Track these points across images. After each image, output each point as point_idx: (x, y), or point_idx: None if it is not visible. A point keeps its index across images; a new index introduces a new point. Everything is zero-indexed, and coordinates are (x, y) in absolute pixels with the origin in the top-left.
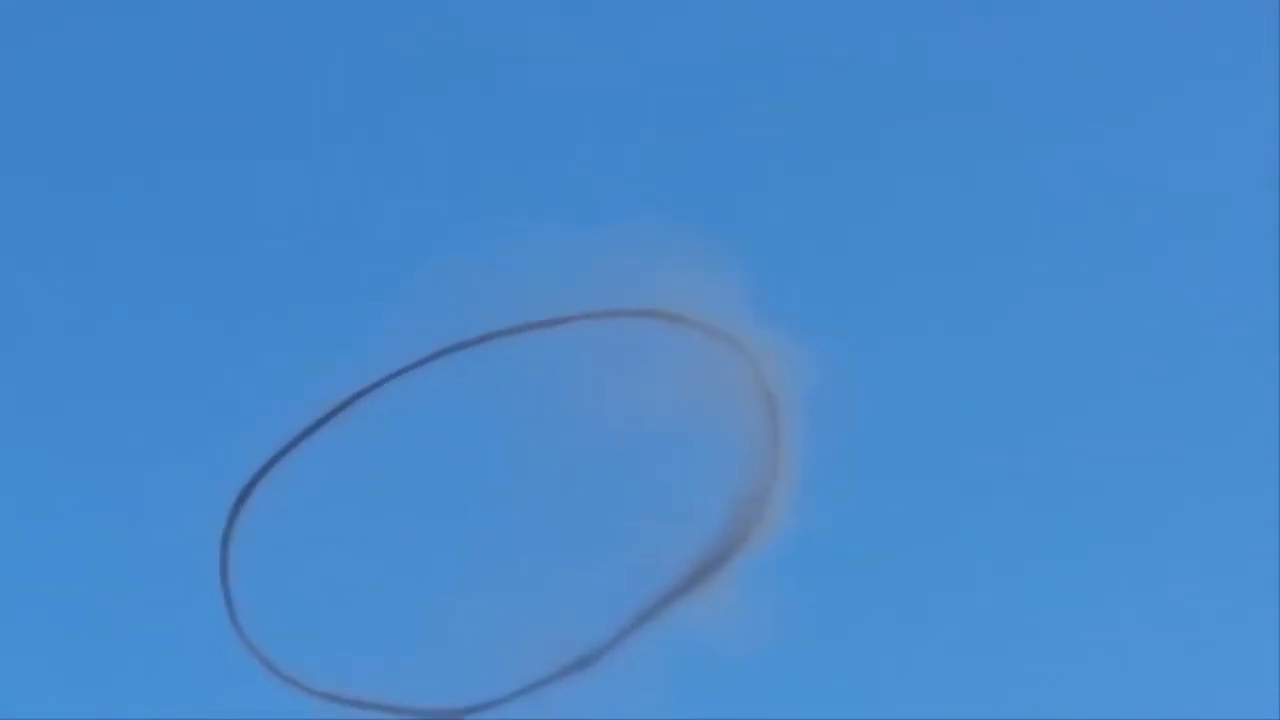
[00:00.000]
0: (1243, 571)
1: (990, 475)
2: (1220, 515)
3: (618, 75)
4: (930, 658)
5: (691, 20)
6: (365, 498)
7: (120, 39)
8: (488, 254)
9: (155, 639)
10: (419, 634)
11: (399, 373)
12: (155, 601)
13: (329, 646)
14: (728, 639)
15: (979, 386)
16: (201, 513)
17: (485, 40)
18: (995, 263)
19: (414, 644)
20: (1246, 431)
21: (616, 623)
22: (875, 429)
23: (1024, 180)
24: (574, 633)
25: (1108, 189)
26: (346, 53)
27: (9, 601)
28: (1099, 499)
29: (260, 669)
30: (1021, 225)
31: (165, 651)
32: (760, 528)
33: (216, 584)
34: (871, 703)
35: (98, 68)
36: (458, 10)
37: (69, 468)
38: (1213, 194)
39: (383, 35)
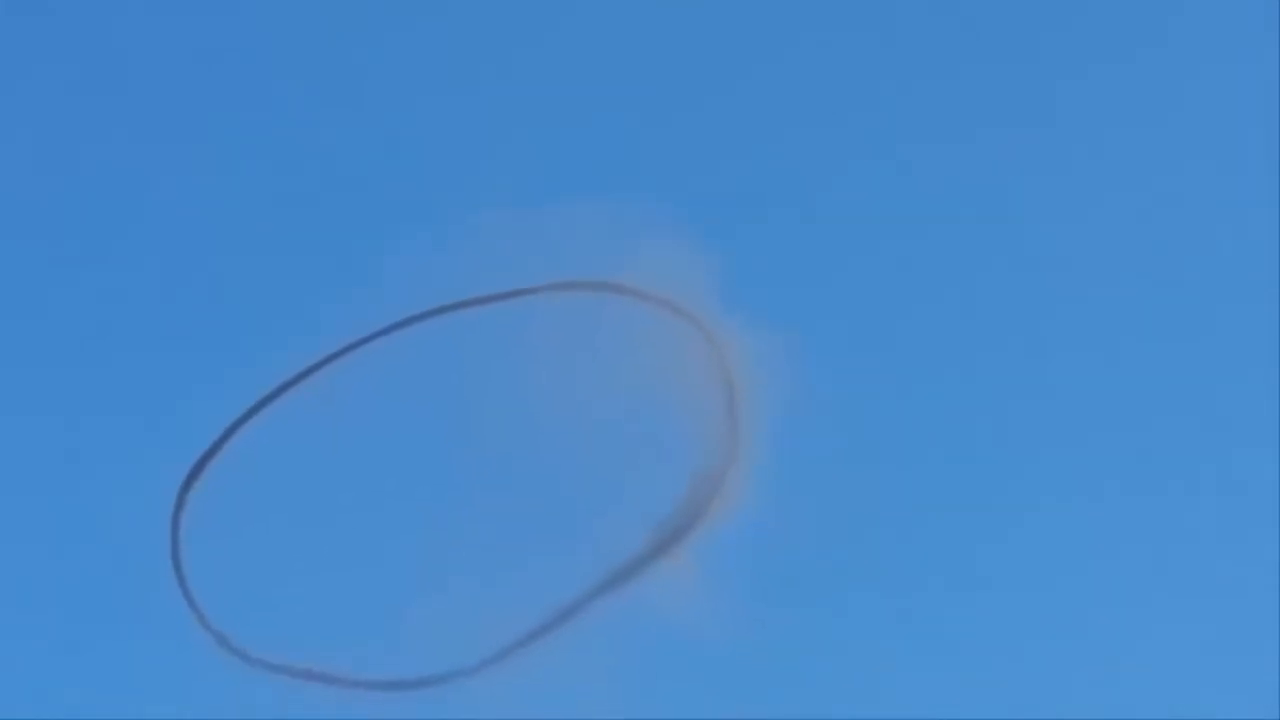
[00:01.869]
0: (1243, 571)
1: (958, 458)
2: (1220, 514)
3: (594, 49)
4: (895, 639)
5: None
6: (322, 470)
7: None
8: (451, 227)
9: (109, 617)
10: (378, 606)
11: (358, 343)
12: (108, 579)
13: (286, 621)
14: (687, 616)
15: (949, 370)
16: (154, 486)
17: (458, 14)
18: (969, 251)
19: (373, 617)
20: (1247, 430)
21: (574, 595)
22: (839, 413)
23: (1003, 169)
24: (532, 605)
25: (1090, 176)
26: (312, 32)
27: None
28: (1073, 482)
29: (216, 646)
30: (998, 212)
31: (119, 629)
32: (717, 505)
33: (168, 559)
34: (834, 682)
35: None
36: None
37: (19, 437)
38: (1213, 193)
39: (352, 13)
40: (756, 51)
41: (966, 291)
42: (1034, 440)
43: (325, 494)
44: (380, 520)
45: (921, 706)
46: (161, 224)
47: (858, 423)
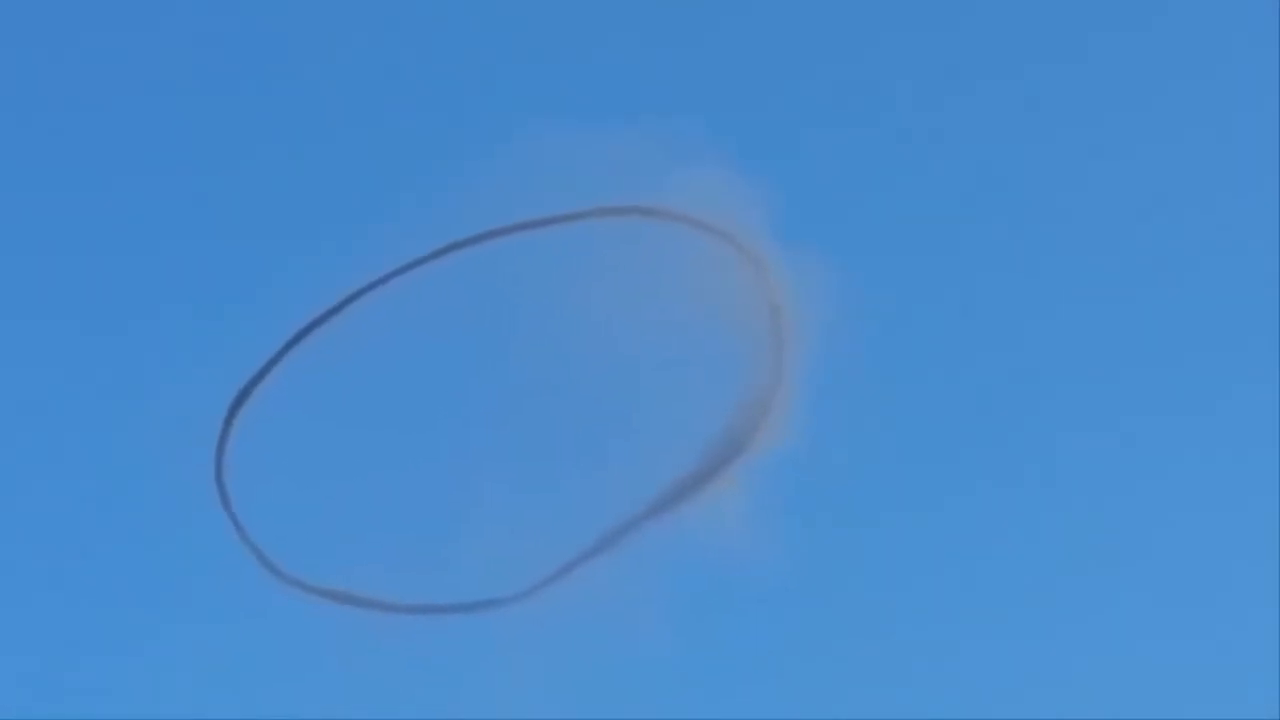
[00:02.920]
0: (1243, 571)
1: (1007, 381)
2: (1221, 514)
3: None
4: (927, 574)
5: None
6: (368, 394)
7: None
8: (494, 150)
9: (155, 546)
10: (423, 531)
11: (402, 269)
12: (153, 507)
13: (331, 545)
14: (733, 542)
15: (989, 309)
16: (200, 412)
17: None
18: (1016, 174)
19: (420, 541)
20: (1247, 430)
21: (620, 520)
22: (883, 344)
23: (1052, 96)
24: (579, 531)
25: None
26: None
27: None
28: (1104, 426)
29: (262, 570)
30: (1045, 134)
31: (165, 555)
32: (765, 428)
33: (213, 478)
34: (873, 615)
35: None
36: None
37: (64, 357)
38: (1213, 191)
39: None
40: None
41: (1015, 211)
42: (1081, 360)
43: (371, 418)
44: (424, 445)
45: (965, 635)
46: (207, 147)
47: (903, 345)
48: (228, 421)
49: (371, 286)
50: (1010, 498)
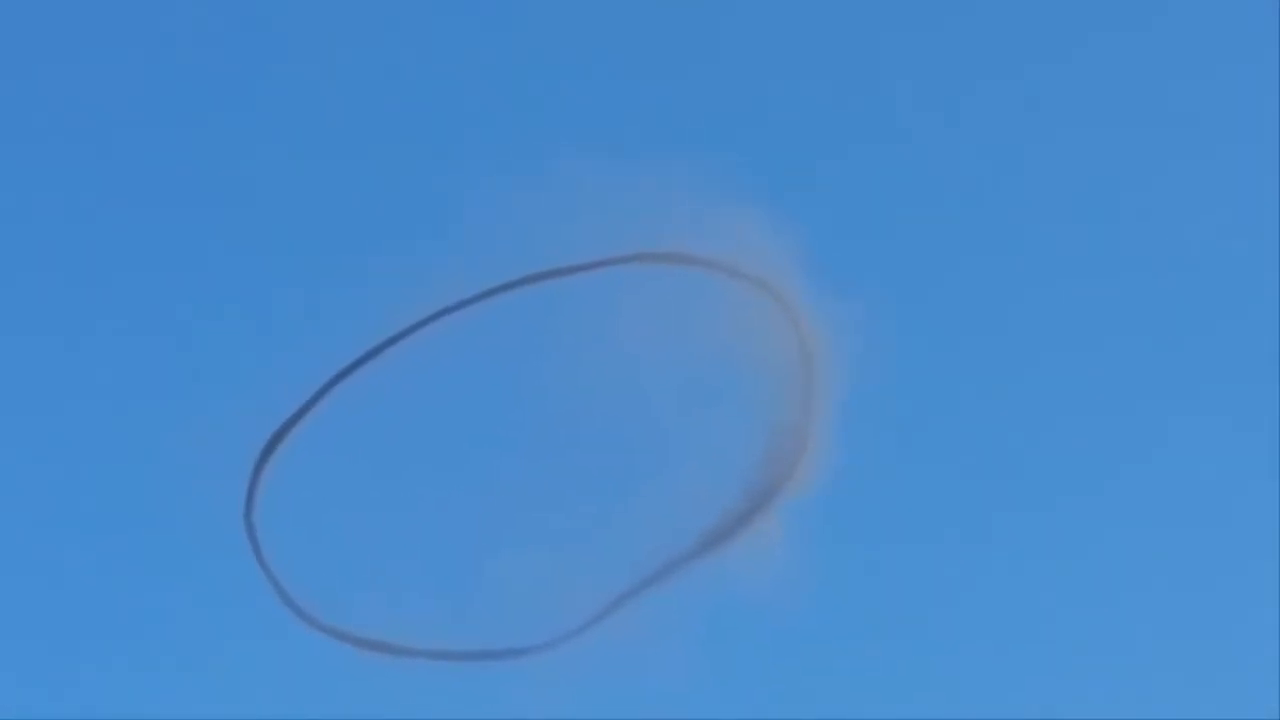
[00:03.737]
0: (1243, 571)
1: (1040, 419)
2: (1221, 513)
3: (665, 18)
4: (965, 609)
5: None
6: (408, 438)
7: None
8: (525, 196)
9: (186, 594)
10: (462, 574)
11: (440, 313)
12: (184, 556)
13: (363, 592)
14: (768, 587)
15: (1020, 344)
16: (235, 451)
17: None
18: (1038, 211)
19: (457, 584)
20: (1249, 428)
21: (657, 563)
22: (914, 379)
23: (1073, 135)
24: (615, 574)
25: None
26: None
27: (52, 549)
28: (1143, 457)
29: (294, 616)
30: (1065, 175)
31: (193, 595)
32: (797, 474)
33: (242, 524)
34: (902, 649)
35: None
36: None
37: (98, 415)
38: (1215, 189)
39: None
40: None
41: (1046, 247)
42: (1114, 404)
43: (405, 462)
44: (464, 489)
45: (1001, 668)
46: (241, 188)
47: (934, 379)
48: (259, 464)
49: (408, 332)
50: (1048, 531)
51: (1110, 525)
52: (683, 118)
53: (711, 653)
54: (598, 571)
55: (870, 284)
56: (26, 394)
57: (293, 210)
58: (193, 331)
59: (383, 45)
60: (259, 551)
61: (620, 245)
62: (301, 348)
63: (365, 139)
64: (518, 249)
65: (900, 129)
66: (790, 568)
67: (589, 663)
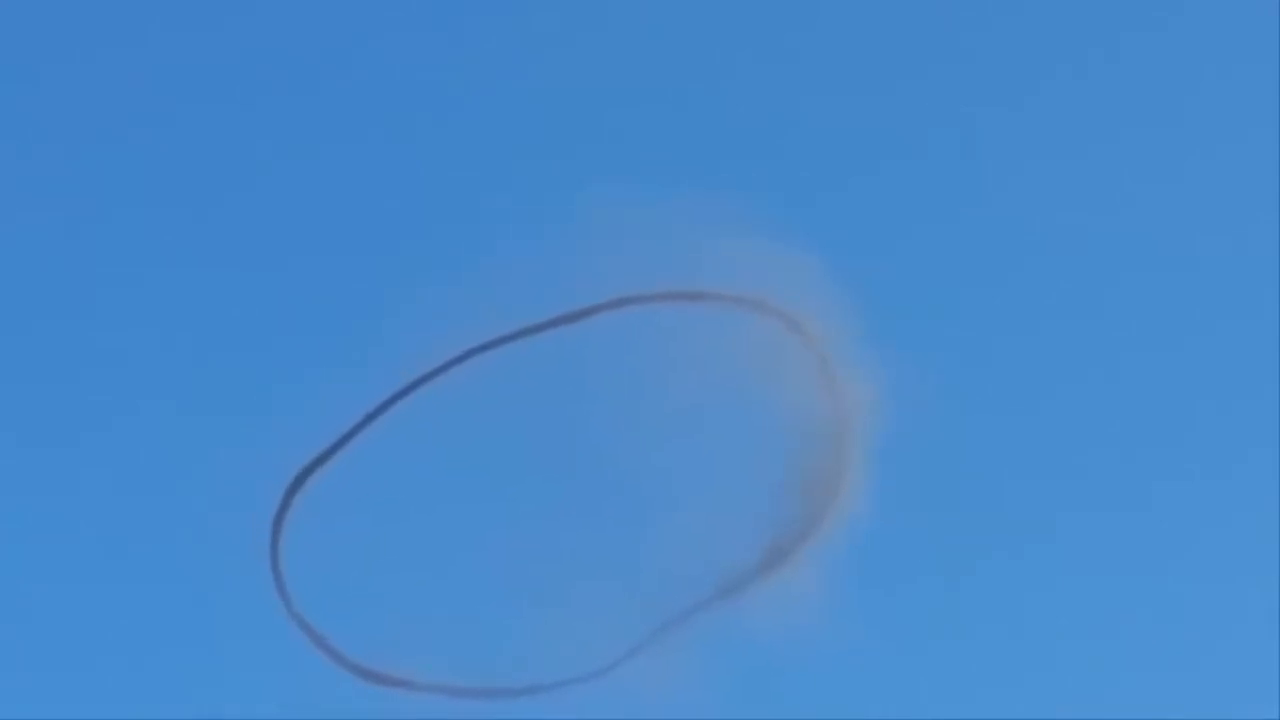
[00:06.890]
0: (1243, 570)
1: (1069, 462)
2: (1222, 513)
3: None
4: (997, 653)
5: None
6: (429, 480)
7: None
8: (543, 235)
9: (207, 618)
10: (483, 617)
11: (463, 356)
12: (209, 580)
13: (389, 631)
14: (799, 629)
15: (1054, 389)
16: (260, 489)
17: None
18: (1079, 266)
19: (478, 627)
20: (1249, 428)
21: (685, 605)
22: (946, 423)
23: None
24: (644, 615)
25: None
26: (364, 42)
27: (71, 585)
28: (1177, 504)
29: (323, 655)
30: (1093, 218)
31: (216, 630)
32: (824, 519)
33: (268, 559)
34: (929, 699)
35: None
36: None
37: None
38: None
39: (405, 22)
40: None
41: (1075, 290)
42: (1151, 454)
43: (432, 504)
44: (485, 533)
45: (1029, 715)
46: (273, 224)
47: (966, 424)
48: (284, 503)
49: (435, 373)
50: (1078, 583)
51: (1145, 574)
52: (713, 154)
53: (733, 698)
54: (621, 613)
55: (904, 327)
56: (56, 427)
57: (324, 246)
58: (224, 367)
59: (415, 85)
60: (284, 589)
61: (650, 282)
62: (331, 386)
63: (403, 181)
64: (546, 286)
65: (937, 168)
66: (815, 614)
67: (610, 702)
